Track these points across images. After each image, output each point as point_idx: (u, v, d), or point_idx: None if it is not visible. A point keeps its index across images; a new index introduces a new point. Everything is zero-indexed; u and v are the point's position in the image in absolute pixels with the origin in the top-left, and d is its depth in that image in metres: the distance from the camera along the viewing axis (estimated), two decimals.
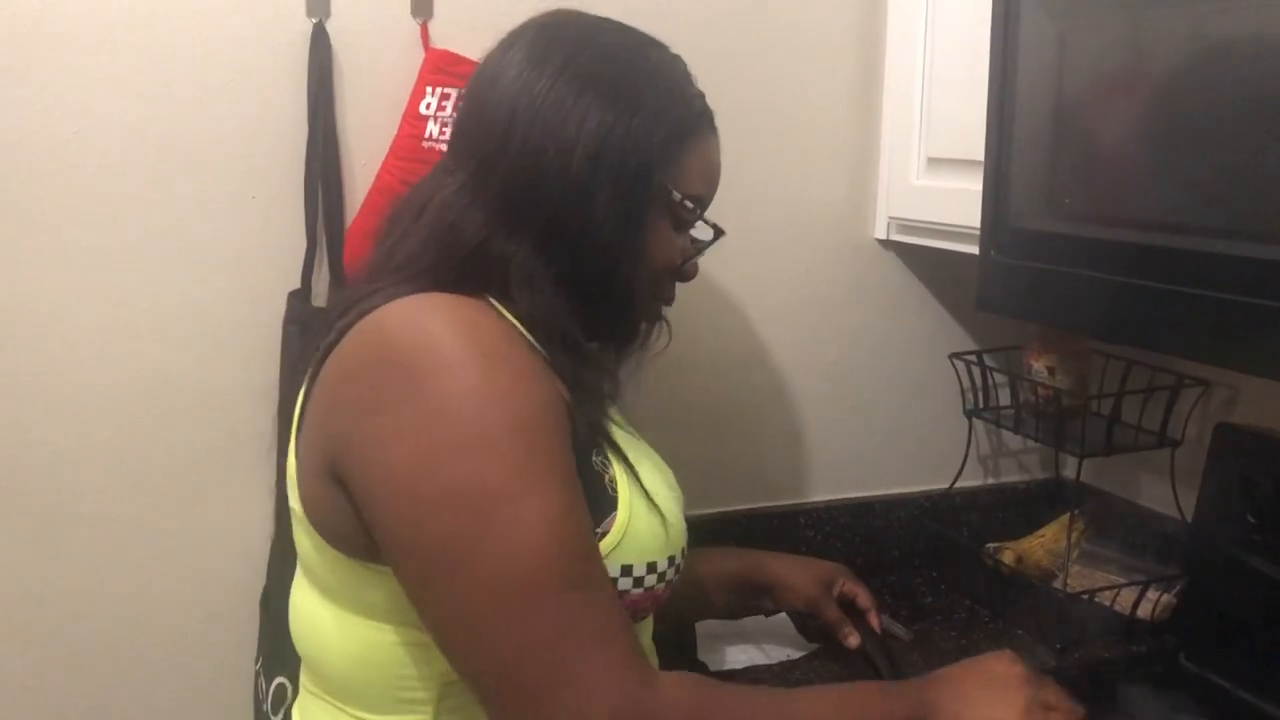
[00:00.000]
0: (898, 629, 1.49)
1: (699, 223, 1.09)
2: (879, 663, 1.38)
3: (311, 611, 0.99)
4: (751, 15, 1.52)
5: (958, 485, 1.71)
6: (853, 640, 1.35)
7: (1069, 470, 1.76)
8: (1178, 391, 1.48)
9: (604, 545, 0.91)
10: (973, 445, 1.71)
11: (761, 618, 1.52)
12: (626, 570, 0.94)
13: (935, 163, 1.48)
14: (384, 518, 0.86)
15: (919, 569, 1.70)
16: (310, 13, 1.32)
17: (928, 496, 1.72)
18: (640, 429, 1.12)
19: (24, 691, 1.37)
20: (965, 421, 1.67)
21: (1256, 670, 1.30)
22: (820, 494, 1.69)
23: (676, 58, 1.08)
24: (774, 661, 1.42)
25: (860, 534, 1.70)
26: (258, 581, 1.40)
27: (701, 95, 1.09)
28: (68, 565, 1.36)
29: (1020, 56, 1.14)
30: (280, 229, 1.35)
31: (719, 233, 1.11)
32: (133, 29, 1.28)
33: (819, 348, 1.65)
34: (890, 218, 1.60)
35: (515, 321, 0.96)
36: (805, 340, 1.64)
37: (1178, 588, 1.45)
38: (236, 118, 1.33)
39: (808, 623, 1.51)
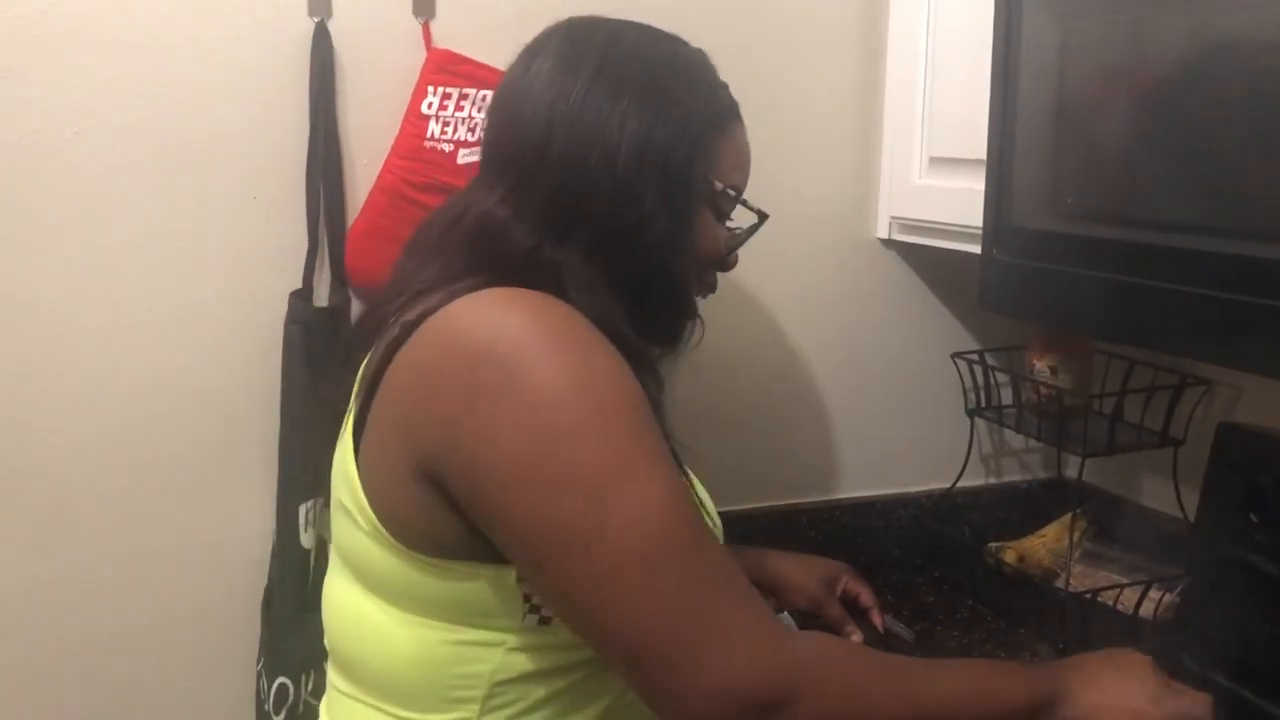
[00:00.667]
0: (900, 629, 1.49)
1: (739, 210, 1.11)
2: None
3: (362, 613, 0.99)
4: (753, 14, 1.52)
5: (959, 485, 1.70)
6: (856, 638, 1.35)
7: (1071, 470, 1.76)
8: (1180, 391, 1.48)
9: None
10: (974, 445, 1.70)
11: None
12: None
13: (937, 162, 1.48)
14: (502, 511, 0.87)
15: (920, 569, 1.70)
16: (312, 12, 1.32)
17: (929, 496, 1.72)
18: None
19: (24, 692, 1.37)
20: (967, 421, 1.67)
21: (1259, 670, 1.29)
22: (821, 493, 1.69)
23: (699, 51, 1.09)
24: None
25: (861, 534, 1.70)
26: (259, 582, 1.40)
27: (726, 86, 1.10)
28: (67, 565, 1.36)
29: (1022, 55, 1.14)
30: (282, 229, 1.35)
31: (763, 217, 1.14)
32: (133, 29, 1.28)
33: (821, 347, 1.65)
34: (892, 217, 1.59)
35: None
36: (807, 340, 1.64)
37: (1180, 587, 1.45)
38: (238, 118, 1.33)
39: (809, 622, 1.51)
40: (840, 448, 1.69)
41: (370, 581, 0.97)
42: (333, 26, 1.33)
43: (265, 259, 1.36)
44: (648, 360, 1.01)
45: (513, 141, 1.01)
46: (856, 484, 1.71)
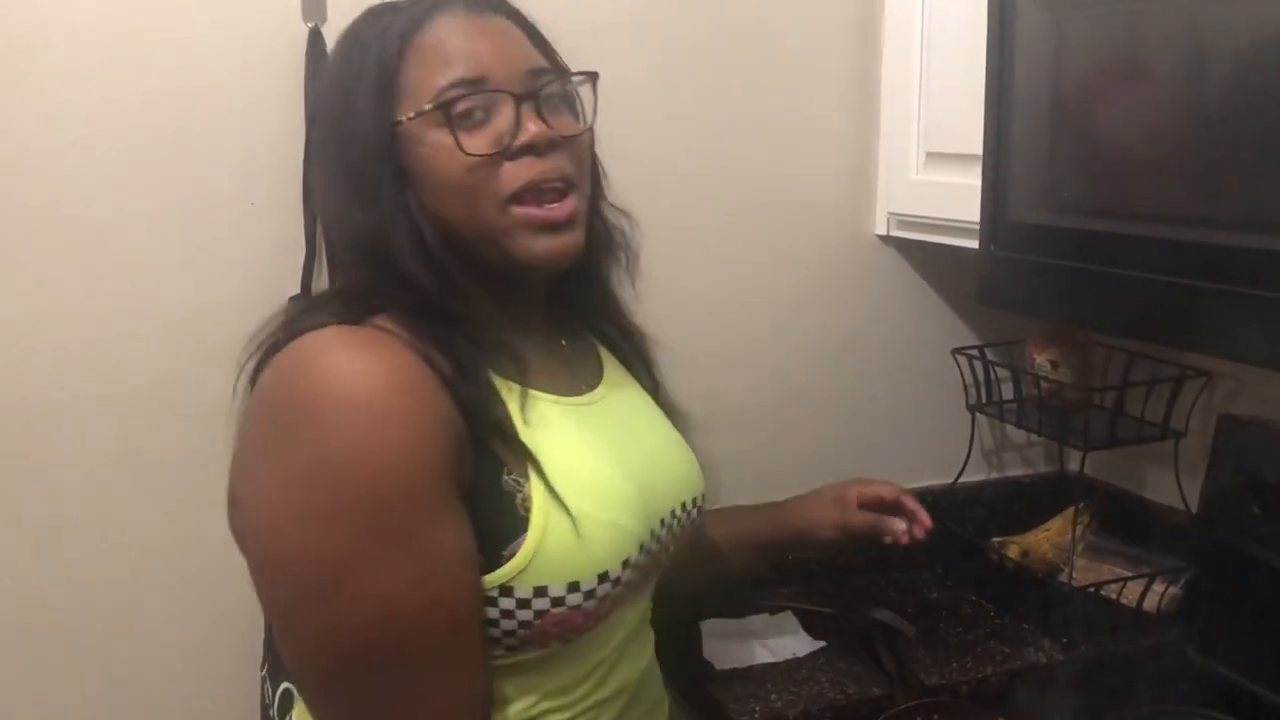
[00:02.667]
0: (903, 625, 1.49)
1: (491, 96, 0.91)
2: (885, 660, 1.38)
3: None
4: (749, 11, 1.52)
5: (961, 480, 1.70)
6: (901, 533, 1.28)
7: (1073, 464, 1.76)
8: (1181, 383, 1.48)
9: (510, 568, 0.87)
10: (976, 440, 1.70)
11: (767, 615, 1.53)
12: (541, 591, 0.89)
13: (934, 157, 1.48)
14: (249, 569, 0.87)
15: (924, 564, 1.70)
16: (306, 18, 1.32)
17: (931, 492, 1.71)
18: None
19: (27, 696, 1.37)
20: (968, 416, 1.67)
21: (1264, 661, 1.29)
22: None
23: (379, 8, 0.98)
24: (780, 659, 1.42)
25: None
26: None
27: (404, 6, 0.95)
28: (69, 571, 1.36)
29: (1017, 50, 1.14)
30: (279, 235, 1.35)
31: (489, 94, 0.91)
32: (127, 37, 1.28)
33: (820, 344, 1.65)
34: (890, 213, 1.59)
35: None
36: (807, 336, 1.64)
37: (1183, 580, 1.45)
38: (234, 124, 1.33)
39: (813, 620, 1.51)
40: (841, 444, 1.68)
41: None
42: (327, 31, 1.33)
43: (263, 265, 1.35)
44: (492, 334, 0.94)
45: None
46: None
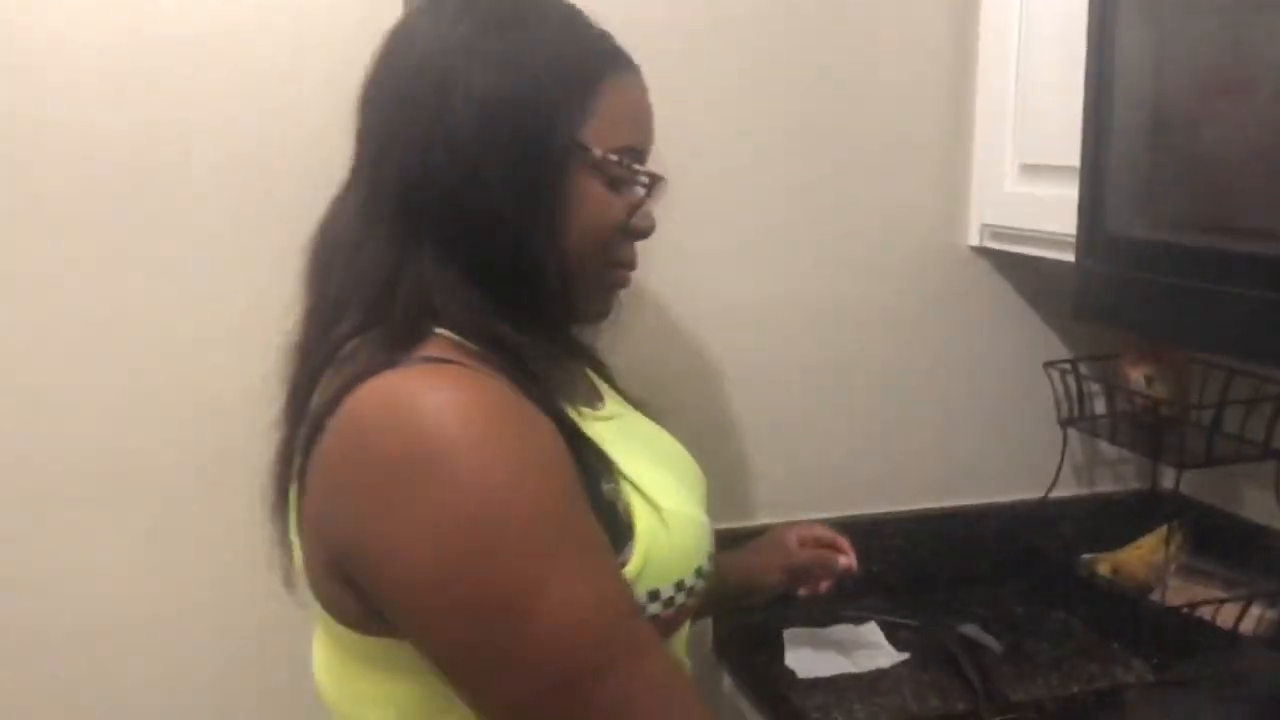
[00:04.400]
0: (989, 640, 1.47)
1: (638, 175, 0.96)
2: (970, 674, 1.37)
3: (323, 660, 0.96)
4: (841, 19, 1.52)
5: (1051, 495, 1.68)
6: (843, 567, 1.28)
7: (1166, 481, 1.73)
8: None
9: (626, 574, 0.87)
10: (1067, 455, 1.68)
11: (851, 626, 1.52)
12: (654, 595, 0.89)
13: (1028, 169, 1.47)
14: (408, 628, 0.83)
15: (1010, 580, 1.68)
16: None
17: (1020, 506, 1.70)
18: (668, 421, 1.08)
19: (153, 685, 1.42)
20: (1059, 431, 1.65)
21: None
22: (910, 503, 1.68)
23: (569, 4, 0.97)
24: (862, 671, 1.42)
25: (950, 544, 1.68)
26: None
27: (605, 35, 0.96)
28: (187, 565, 1.41)
29: (1117, 60, 1.13)
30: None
31: (655, 180, 0.96)
32: (227, 36, 1.32)
33: (911, 355, 1.64)
34: (983, 224, 1.58)
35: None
36: (898, 348, 1.63)
37: None
38: (345, 131, 1.36)
39: (896, 632, 1.51)
40: (930, 457, 1.68)
41: (328, 637, 0.94)
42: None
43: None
44: (539, 353, 0.92)
45: (366, 133, 0.94)
46: (946, 493, 1.69)
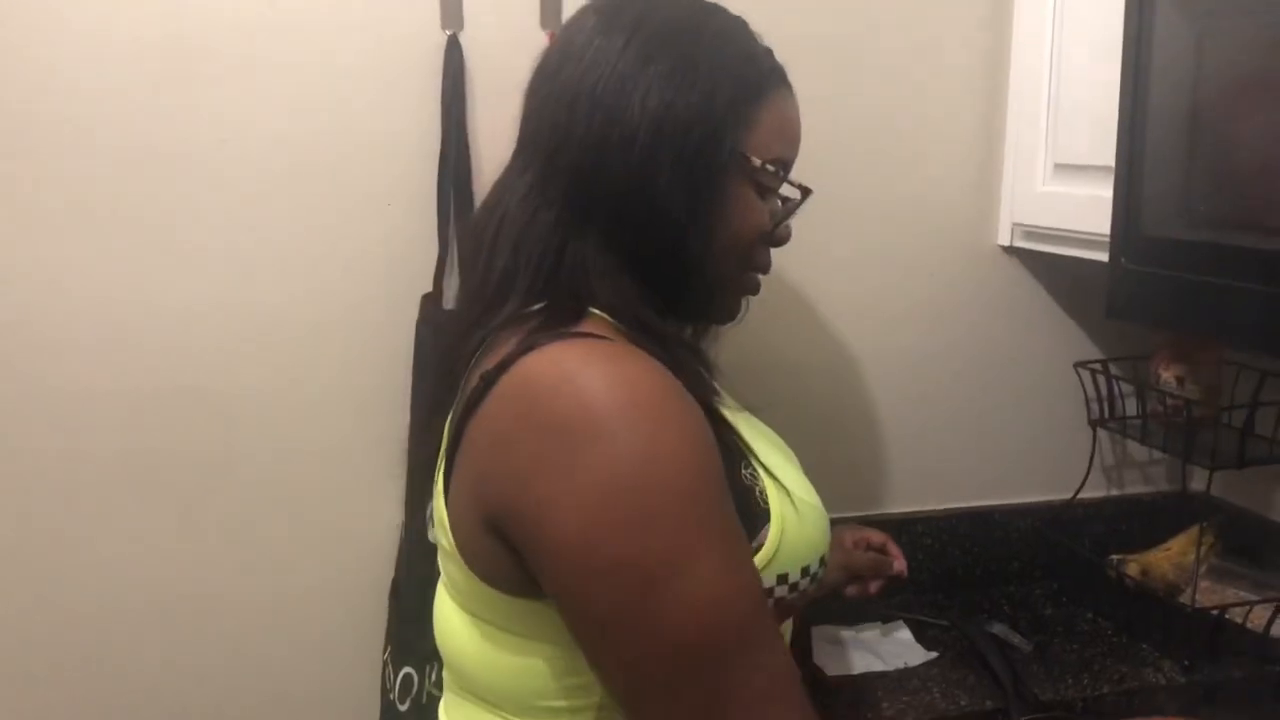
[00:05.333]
0: (1018, 640, 1.47)
1: (785, 185, 1.04)
2: (1000, 674, 1.37)
3: (457, 627, 1.00)
4: (873, 17, 1.52)
5: (1080, 495, 1.68)
6: (900, 570, 1.33)
7: (1196, 482, 1.72)
8: None
9: (759, 559, 0.91)
10: (1097, 455, 1.68)
11: (880, 624, 1.53)
12: (782, 579, 0.93)
13: (1062, 169, 1.47)
14: (553, 586, 0.86)
15: (1040, 580, 1.68)
16: (445, 26, 1.37)
17: (1050, 506, 1.70)
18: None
19: (169, 673, 1.45)
20: (1090, 431, 1.64)
21: None
22: (940, 502, 1.68)
23: (738, 19, 1.03)
24: (891, 668, 1.42)
25: (980, 543, 1.68)
26: (388, 573, 1.46)
27: (769, 52, 1.03)
28: (209, 556, 1.43)
29: (1154, 60, 1.13)
30: (414, 234, 1.40)
31: (806, 193, 1.05)
32: (278, 46, 1.34)
33: (941, 354, 1.64)
34: (1015, 224, 1.58)
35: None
36: (928, 346, 1.63)
37: None
38: (375, 127, 1.38)
39: (925, 630, 1.51)
40: (960, 456, 1.68)
41: (465, 604, 0.98)
42: (464, 39, 1.38)
43: (398, 263, 1.41)
44: (681, 341, 0.98)
45: (540, 122, 0.98)
46: (976, 493, 1.69)
